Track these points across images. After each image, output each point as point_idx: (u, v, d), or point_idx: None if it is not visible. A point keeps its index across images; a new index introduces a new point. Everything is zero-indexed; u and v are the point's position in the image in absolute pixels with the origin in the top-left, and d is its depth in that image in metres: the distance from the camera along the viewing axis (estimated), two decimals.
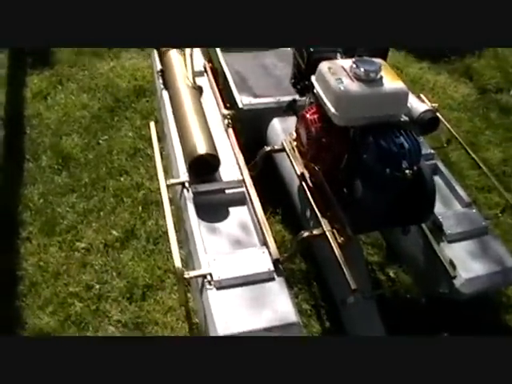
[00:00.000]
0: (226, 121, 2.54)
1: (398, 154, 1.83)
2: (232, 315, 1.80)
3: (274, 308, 1.84)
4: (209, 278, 1.88)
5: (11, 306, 2.30)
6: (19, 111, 3.26)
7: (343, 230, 2.02)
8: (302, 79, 2.20)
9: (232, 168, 2.32)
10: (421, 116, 2.05)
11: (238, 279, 1.89)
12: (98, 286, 2.40)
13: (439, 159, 2.63)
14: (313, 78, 2.05)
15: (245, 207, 2.23)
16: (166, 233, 2.35)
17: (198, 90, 2.63)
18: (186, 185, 2.21)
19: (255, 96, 2.65)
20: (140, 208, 2.70)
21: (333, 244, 1.99)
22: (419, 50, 4.13)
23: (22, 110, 3.27)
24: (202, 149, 2.21)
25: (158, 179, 2.17)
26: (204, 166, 2.23)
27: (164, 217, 2.30)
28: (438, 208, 2.37)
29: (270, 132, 2.57)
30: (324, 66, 1.98)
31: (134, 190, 2.79)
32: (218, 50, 2.94)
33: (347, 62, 1.95)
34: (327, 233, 2.03)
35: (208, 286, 1.87)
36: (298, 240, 2.05)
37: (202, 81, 2.83)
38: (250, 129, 2.60)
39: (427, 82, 3.90)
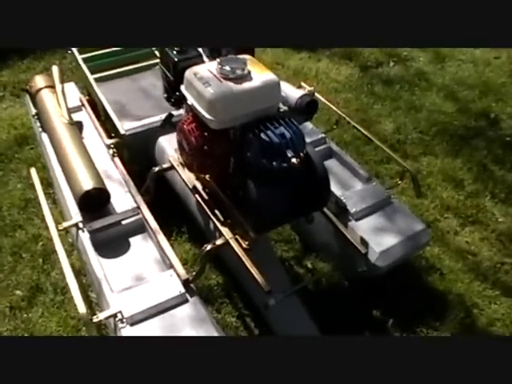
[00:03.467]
0: (111, 151, 2.45)
1: (281, 145, 1.80)
2: None
3: (193, 330, 1.78)
4: (119, 316, 1.79)
5: None
6: None
7: (246, 235, 1.97)
8: (173, 91, 2.14)
9: (125, 197, 2.23)
10: (298, 102, 2.03)
11: (151, 310, 1.81)
12: None
13: (332, 142, 2.65)
14: (182, 88, 1.99)
15: (145, 234, 2.15)
16: None
17: (76, 126, 2.52)
18: (80, 225, 2.11)
19: (137, 119, 2.56)
20: (41, 260, 2.53)
21: (237, 251, 1.93)
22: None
23: None
24: (87, 184, 2.11)
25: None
26: (94, 202, 2.14)
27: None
28: (340, 189, 2.40)
29: (158, 152, 2.49)
30: (190, 73, 1.93)
31: (32, 243, 2.61)
32: (92, 81, 2.83)
33: (212, 65, 1.91)
34: (230, 241, 1.97)
35: (120, 325, 1.78)
36: (203, 254, 1.98)
37: (81, 115, 2.72)
38: (138, 154, 2.51)
39: (309, 70, 3.95)
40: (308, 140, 2.52)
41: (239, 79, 1.84)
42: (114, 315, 1.79)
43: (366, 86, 3.84)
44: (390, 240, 2.19)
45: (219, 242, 1.99)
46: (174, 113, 2.29)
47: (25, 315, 2.32)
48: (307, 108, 2.04)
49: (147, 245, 2.11)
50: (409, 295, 2.37)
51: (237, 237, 1.98)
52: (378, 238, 2.19)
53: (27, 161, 3.08)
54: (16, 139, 3.26)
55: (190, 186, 2.18)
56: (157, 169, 2.28)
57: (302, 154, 1.84)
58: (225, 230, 2.01)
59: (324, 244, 2.37)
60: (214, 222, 2.05)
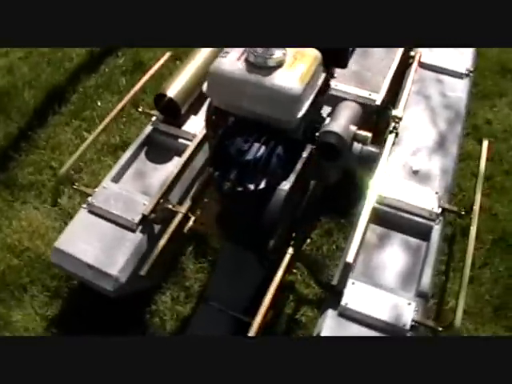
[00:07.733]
0: None
1: (230, 160, 1.49)
2: (77, 237, 1.89)
3: (110, 254, 1.85)
4: (89, 199, 1.95)
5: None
6: None
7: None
8: None
9: (199, 121, 2.20)
10: (320, 134, 1.56)
11: (107, 214, 1.92)
12: None
13: (439, 228, 1.87)
14: None
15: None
16: None
17: None
18: (153, 118, 2.24)
19: None
20: None
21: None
22: None
23: None
24: (167, 90, 2.16)
25: None
26: (167, 108, 2.17)
27: None
28: (390, 282, 1.76)
29: None
30: None
31: None
32: None
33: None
34: (179, 214, 1.86)
35: (83, 205, 1.96)
36: (161, 209, 1.92)
37: None
38: None
39: None
40: (408, 208, 1.90)
41: (256, 67, 1.51)
42: (88, 194, 1.96)
43: None
44: None
45: (177, 208, 1.91)
46: None
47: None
48: (324, 148, 1.55)
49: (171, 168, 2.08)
50: None
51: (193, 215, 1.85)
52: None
53: None
54: None
55: None
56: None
57: (251, 186, 1.48)
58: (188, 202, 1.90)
59: None
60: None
